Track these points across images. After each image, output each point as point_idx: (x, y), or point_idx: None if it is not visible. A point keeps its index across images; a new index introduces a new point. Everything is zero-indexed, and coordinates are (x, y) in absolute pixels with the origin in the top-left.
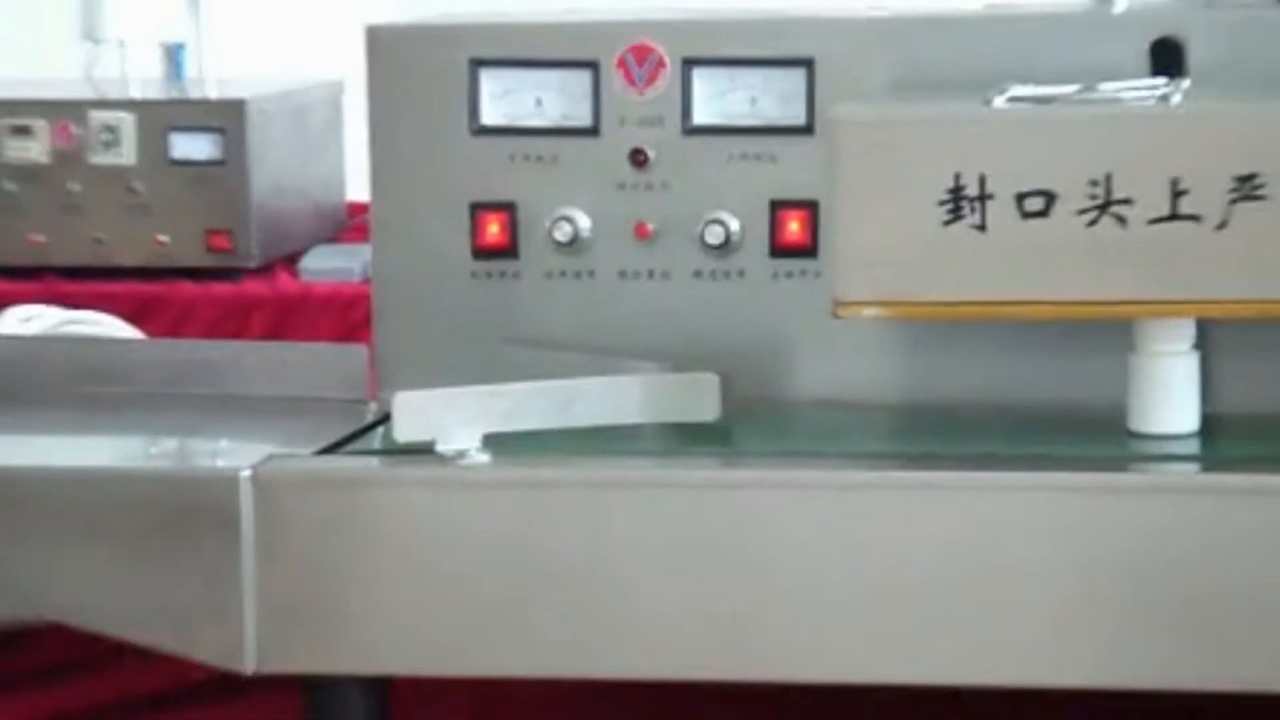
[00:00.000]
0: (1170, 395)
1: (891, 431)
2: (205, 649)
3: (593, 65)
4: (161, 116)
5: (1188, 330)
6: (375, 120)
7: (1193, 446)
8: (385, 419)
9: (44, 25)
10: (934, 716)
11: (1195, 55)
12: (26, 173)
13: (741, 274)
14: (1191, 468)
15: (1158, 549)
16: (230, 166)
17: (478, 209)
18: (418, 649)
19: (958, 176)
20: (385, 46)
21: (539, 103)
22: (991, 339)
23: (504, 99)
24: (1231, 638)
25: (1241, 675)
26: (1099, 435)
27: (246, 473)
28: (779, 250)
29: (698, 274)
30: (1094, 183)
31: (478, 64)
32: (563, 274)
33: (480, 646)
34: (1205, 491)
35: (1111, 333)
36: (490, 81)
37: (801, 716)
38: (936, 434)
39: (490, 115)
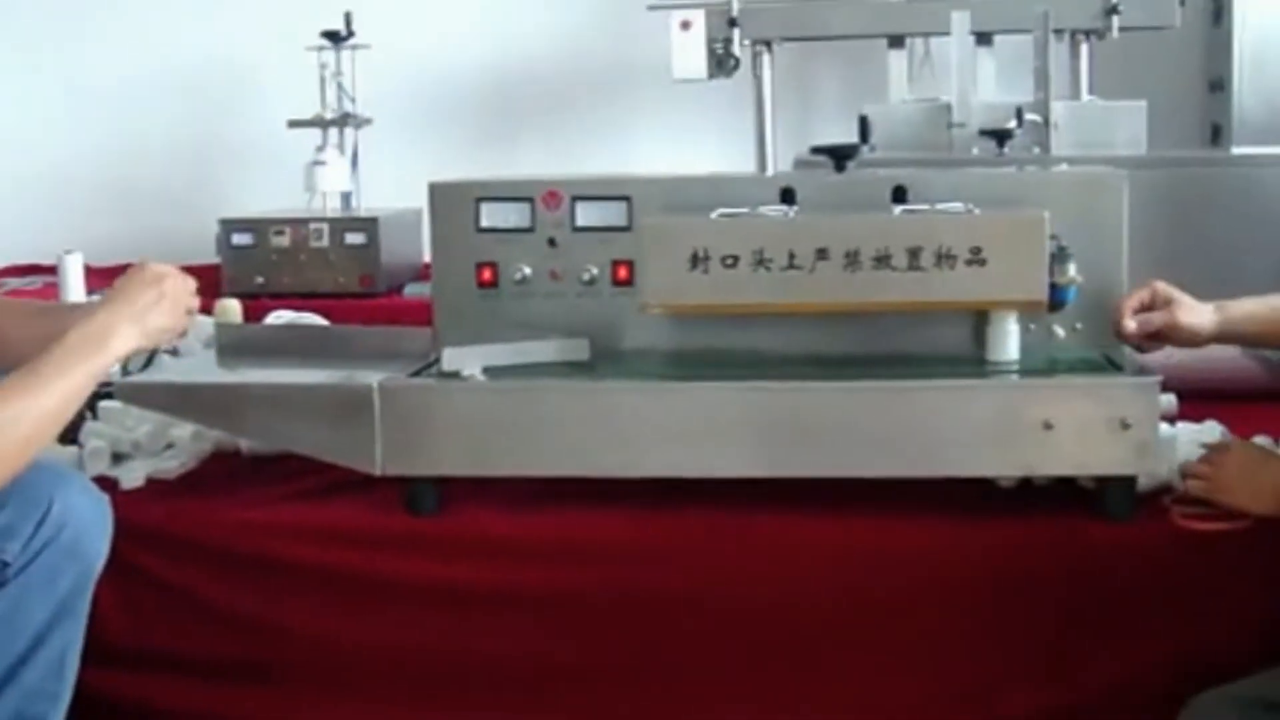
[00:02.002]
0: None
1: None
2: (362, 463)
3: (530, 199)
4: (341, 224)
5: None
6: (434, 223)
7: None
8: (437, 361)
9: (289, 186)
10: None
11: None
12: (281, 250)
13: (598, 294)
14: None
15: None
16: (371, 246)
17: (480, 264)
18: (459, 462)
19: (694, 249)
20: (439, 191)
21: (506, 217)
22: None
23: (491, 215)
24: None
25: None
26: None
27: (375, 384)
28: (617, 283)
29: (580, 295)
30: (756, 251)
31: (480, 200)
32: (520, 295)
33: (494, 461)
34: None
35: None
36: (485, 207)
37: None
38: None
39: (485, 222)
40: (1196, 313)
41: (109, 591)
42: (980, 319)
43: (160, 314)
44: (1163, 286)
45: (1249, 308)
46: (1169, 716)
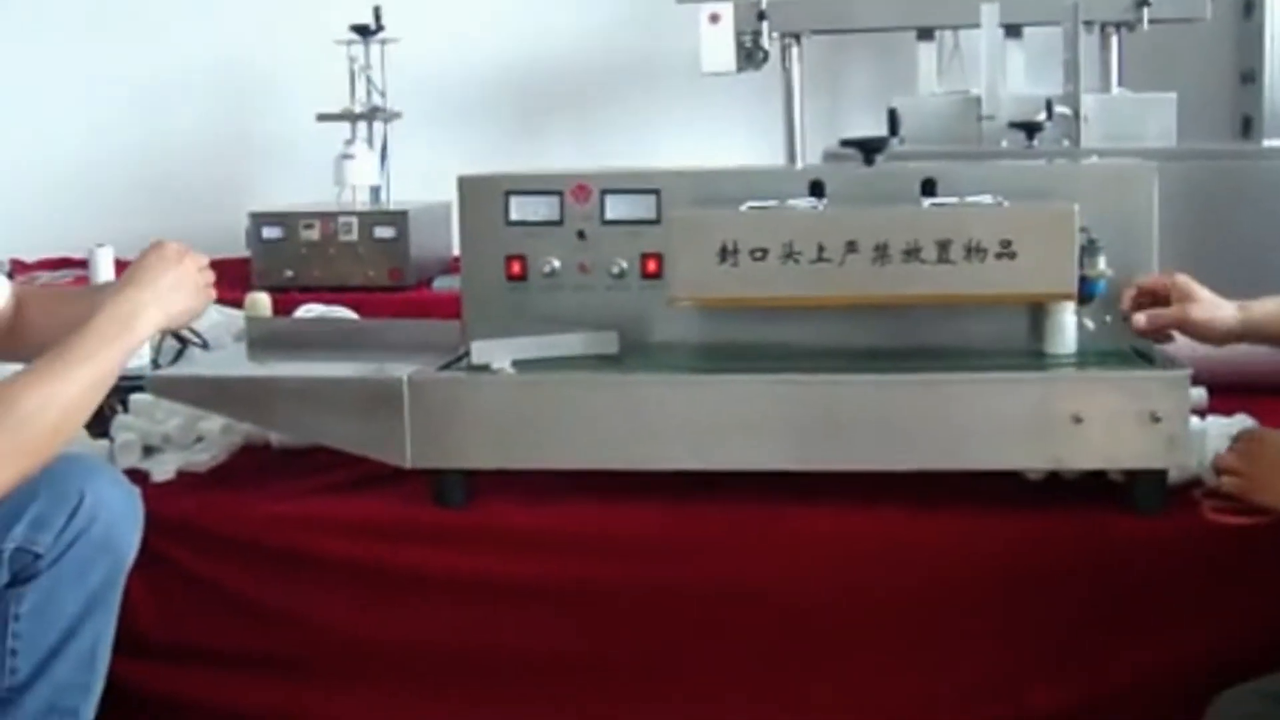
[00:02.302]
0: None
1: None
2: (391, 456)
3: (559, 193)
4: (370, 218)
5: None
6: (463, 216)
7: None
8: (467, 354)
9: (318, 181)
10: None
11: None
12: (310, 244)
13: (626, 288)
14: None
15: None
16: (400, 239)
17: (509, 257)
18: (488, 454)
19: (723, 242)
20: (468, 184)
21: (535, 210)
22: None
23: (520, 209)
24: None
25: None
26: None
27: (405, 377)
28: (646, 276)
29: (609, 288)
30: (785, 244)
31: (509, 193)
32: (549, 288)
33: (522, 454)
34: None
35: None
36: (515, 200)
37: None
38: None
39: (515, 215)
40: (1215, 309)
41: (139, 584)
42: (1023, 311)
43: (182, 294)
44: (1182, 280)
45: (1270, 307)
46: (1198, 711)
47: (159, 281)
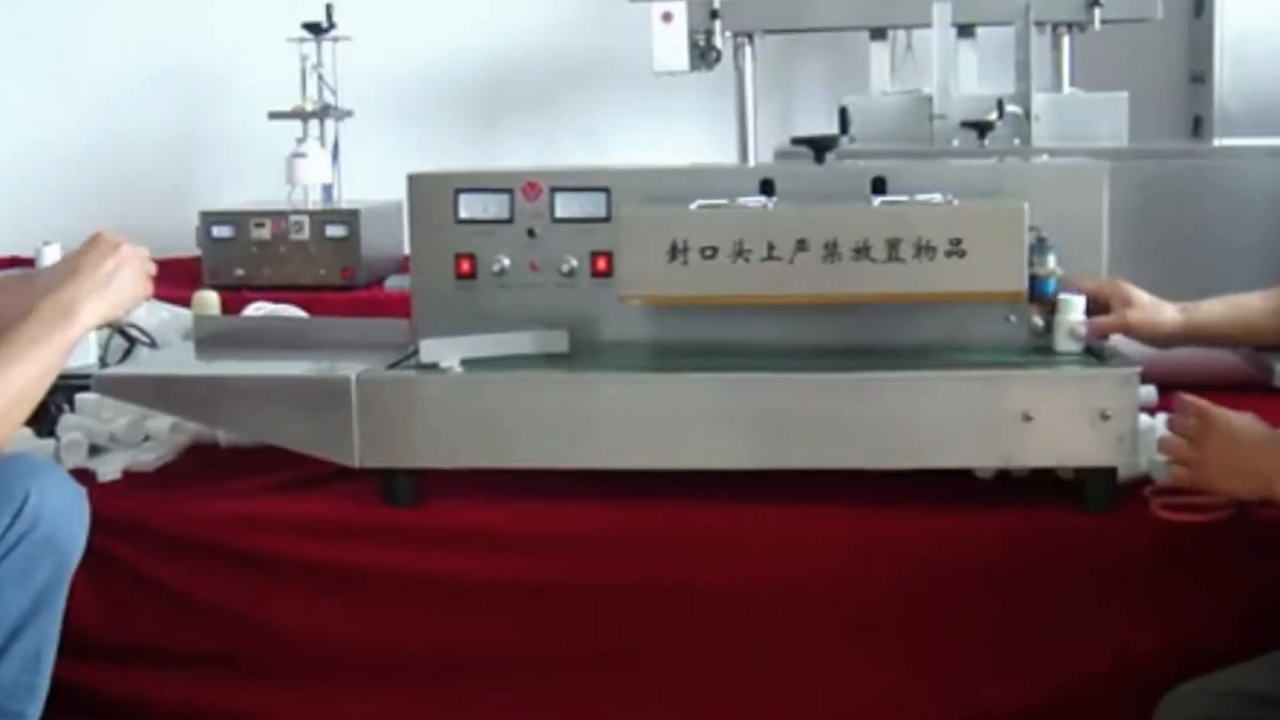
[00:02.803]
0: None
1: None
2: (340, 455)
3: (509, 191)
4: (321, 217)
5: None
6: (413, 214)
7: None
8: (416, 352)
9: (269, 179)
10: None
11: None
12: (261, 243)
13: (577, 286)
14: None
15: None
16: (352, 238)
17: (458, 255)
18: (437, 454)
19: (673, 240)
20: (418, 182)
21: (485, 208)
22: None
23: (470, 206)
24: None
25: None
26: None
27: (353, 376)
28: (596, 274)
29: (559, 286)
30: (735, 242)
31: (458, 191)
32: (498, 286)
33: (472, 453)
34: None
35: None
36: (464, 198)
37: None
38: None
39: (464, 213)
40: (1155, 313)
41: (85, 584)
42: (974, 309)
43: (123, 282)
44: (1120, 285)
45: (1214, 308)
46: (1150, 708)
47: (99, 270)
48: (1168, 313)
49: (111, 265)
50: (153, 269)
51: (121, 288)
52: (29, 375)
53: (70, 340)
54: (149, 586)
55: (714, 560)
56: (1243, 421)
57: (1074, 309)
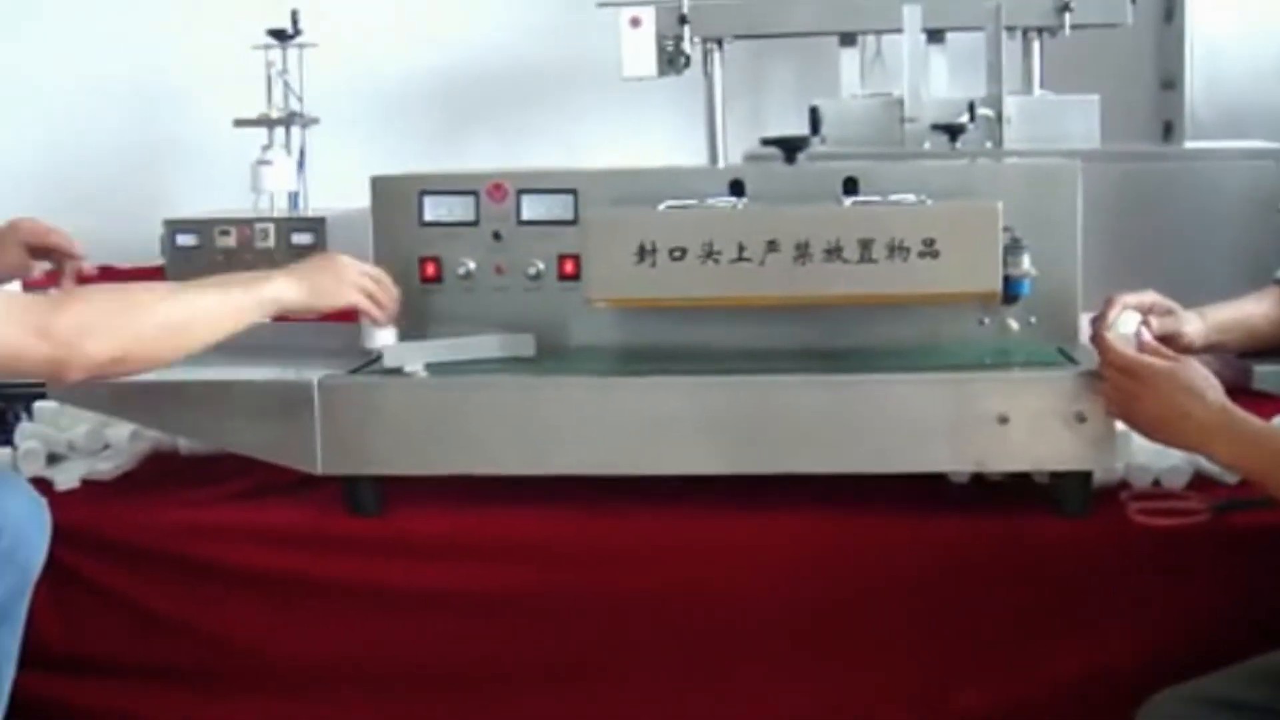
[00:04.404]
0: None
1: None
2: (302, 462)
3: (474, 193)
4: (287, 225)
5: None
6: (377, 217)
7: None
8: (380, 357)
9: (234, 187)
10: None
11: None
12: (226, 251)
13: (544, 289)
14: None
15: None
16: (318, 246)
17: (423, 258)
18: (401, 460)
19: (640, 242)
20: (382, 184)
21: (450, 210)
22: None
23: (435, 209)
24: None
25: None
26: None
27: (315, 381)
28: (563, 277)
29: (526, 290)
30: (704, 243)
31: (423, 193)
32: (464, 290)
33: (437, 460)
34: None
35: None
36: (429, 200)
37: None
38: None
39: (429, 215)
40: (1191, 323)
41: (44, 595)
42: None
43: (326, 276)
44: (1160, 298)
45: (1222, 316)
46: (1127, 715)
47: (303, 264)
48: (1195, 321)
49: (319, 261)
50: (371, 285)
51: (321, 279)
52: (209, 304)
53: (253, 302)
54: (107, 597)
55: (682, 567)
56: (1173, 381)
57: (1128, 321)
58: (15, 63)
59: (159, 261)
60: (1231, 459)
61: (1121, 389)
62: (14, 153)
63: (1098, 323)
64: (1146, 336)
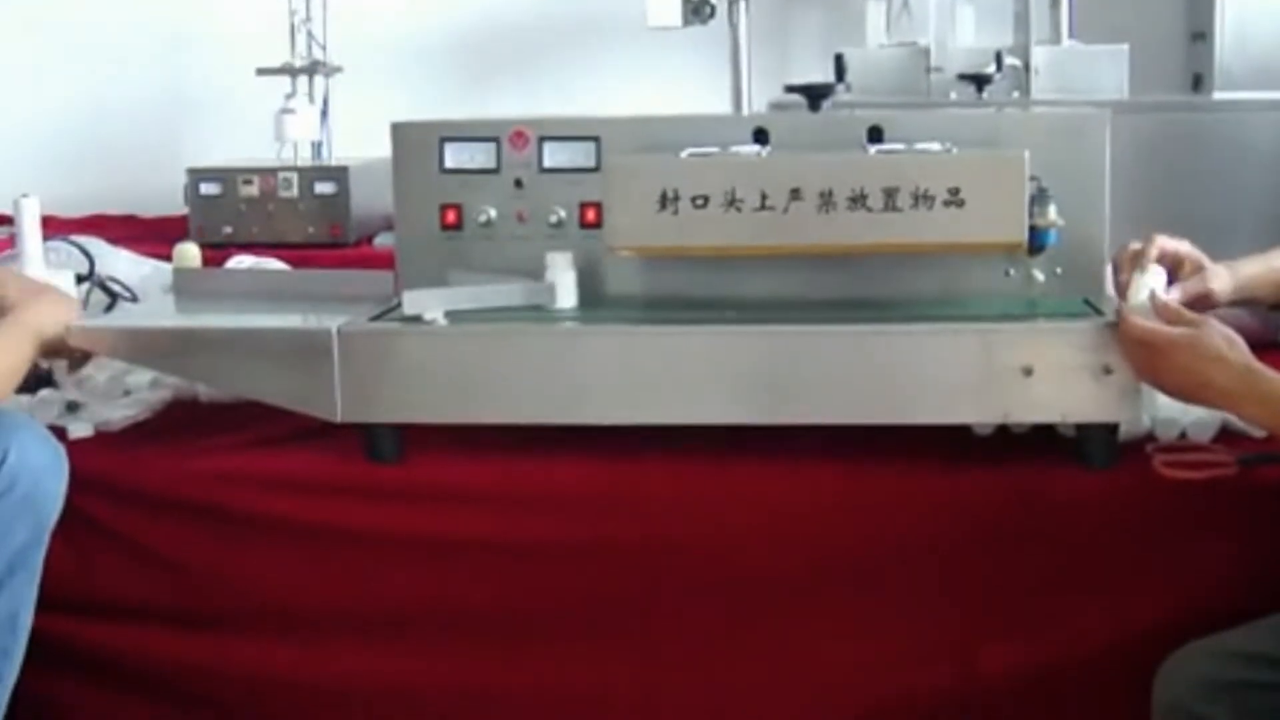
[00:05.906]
0: None
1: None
2: (321, 410)
3: (495, 140)
4: (310, 174)
5: None
6: (397, 164)
7: None
8: (399, 305)
9: (257, 136)
10: None
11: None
12: (249, 200)
13: (565, 237)
14: None
15: None
16: (341, 196)
17: (444, 206)
18: (421, 408)
19: (663, 189)
20: (402, 131)
21: (471, 157)
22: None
23: (456, 156)
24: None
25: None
26: None
27: (334, 328)
28: (585, 225)
29: (547, 238)
30: (727, 191)
31: (444, 139)
32: (485, 238)
33: (457, 408)
34: None
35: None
36: (450, 147)
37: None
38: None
39: (450, 163)
40: (1220, 278)
41: (60, 541)
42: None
43: (44, 306)
44: (1193, 250)
45: (1253, 270)
46: (1151, 670)
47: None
48: (1224, 275)
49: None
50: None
51: (43, 311)
52: None
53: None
54: (125, 544)
55: (705, 517)
56: (1192, 350)
57: (1156, 275)
58: (37, 15)
59: (183, 211)
60: (1257, 417)
61: (1141, 360)
62: (39, 104)
63: (1119, 274)
64: (1162, 298)
